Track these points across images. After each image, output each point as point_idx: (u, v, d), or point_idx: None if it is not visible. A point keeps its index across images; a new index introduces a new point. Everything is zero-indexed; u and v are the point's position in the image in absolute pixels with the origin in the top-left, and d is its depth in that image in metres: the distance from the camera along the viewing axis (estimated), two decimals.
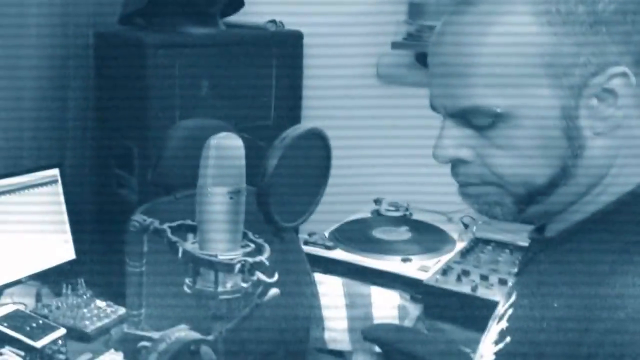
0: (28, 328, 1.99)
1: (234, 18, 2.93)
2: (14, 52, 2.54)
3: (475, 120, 0.96)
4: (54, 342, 1.98)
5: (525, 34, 0.92)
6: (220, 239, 1.14)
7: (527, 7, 0.93)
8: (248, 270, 1.13)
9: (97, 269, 2.33)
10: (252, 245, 1.18)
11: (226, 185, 1.11)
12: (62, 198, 2.37)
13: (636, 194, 0.98)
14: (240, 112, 2.75)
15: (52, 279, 2.28)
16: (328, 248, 2.50)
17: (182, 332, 1.21)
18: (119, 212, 2.37)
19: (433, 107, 1.01)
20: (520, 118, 0.94)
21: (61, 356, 1.98)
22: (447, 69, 0.98)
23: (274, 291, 1.22)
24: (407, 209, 2.87)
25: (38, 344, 1.95)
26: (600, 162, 0.97)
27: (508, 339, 1.02)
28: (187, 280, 1.15)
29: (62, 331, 2.02)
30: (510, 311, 1.05)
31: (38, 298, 2.22)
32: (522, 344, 0.99)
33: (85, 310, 2.15)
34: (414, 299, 2.37)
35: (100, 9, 2.83)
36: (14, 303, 2.15)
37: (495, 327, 1.07)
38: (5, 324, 2.00)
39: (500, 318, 1.07)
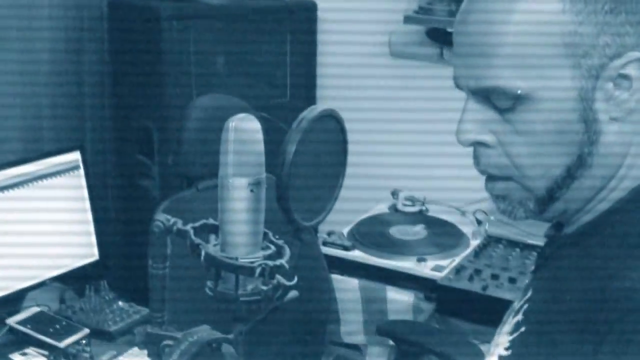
0: (52, 329, 2.02)
1: None
2: (26, 25, 2.48)
3: (497, 101, 0.96)
4: (78, 342, 2.01)
5: (549, 13, 0.92)
6: (241, 240, 1.14)
7: None
8: (268, 273, 1.14)
9: (119, 270, 2.33)
10: (273, 247, 1.18)
11: (246, 176, 1.10)
12: (84, 190, 2.28)
13: None
14: (257, 89, 2.71)
15: (75, 281, 2.28)
16: (346, 249, 2.51)
17: (204, 332, 1.22)
18: (141, 208, 2.35)
19: (457, 85, 1.01)
20: (539, 101, 0.94)
21: (85, 355, 2.00)
22: (471, 48, 0.97)
23: (293, 293, 1.23)
24: (423, 204, 2.85)
25: (62, 344, 1.97)
26: (615, 150, 0.96)
27: (523, 329, 1.03)
28: (208, 283, 1.16)
29: (85, 331, 2.04)
30: (525, 306, 1.06)
31: (61, 300, 2.22)
32: (536, 332, 1.00)
33: (107, 311, 2.16)
34: (427, 297, 2.39)
35: None
36: (38, 305, 2.16)
37: (510, 320, 1.08)
38: (29, 326, 2.02)
39: (517, 312, 1.08)
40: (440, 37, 2.83)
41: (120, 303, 2.20)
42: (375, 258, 2.47)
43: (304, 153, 1.16)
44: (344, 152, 1.26)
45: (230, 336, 1.20)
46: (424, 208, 2.84)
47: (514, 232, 2.62)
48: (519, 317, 1.07)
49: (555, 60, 0.93)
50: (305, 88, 2.93)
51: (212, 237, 1.19)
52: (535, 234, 2.49)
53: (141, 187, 2.55)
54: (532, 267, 1.16)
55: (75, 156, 2.27)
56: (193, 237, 1.16)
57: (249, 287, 1.15)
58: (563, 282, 1.00)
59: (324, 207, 1.25)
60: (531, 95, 0.94)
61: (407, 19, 2.81)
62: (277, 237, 1.21)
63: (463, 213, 2.81)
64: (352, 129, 3.11)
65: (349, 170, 3.07)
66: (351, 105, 3.01)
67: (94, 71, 2.69)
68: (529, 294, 1.08)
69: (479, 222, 2.72)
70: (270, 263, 1.14)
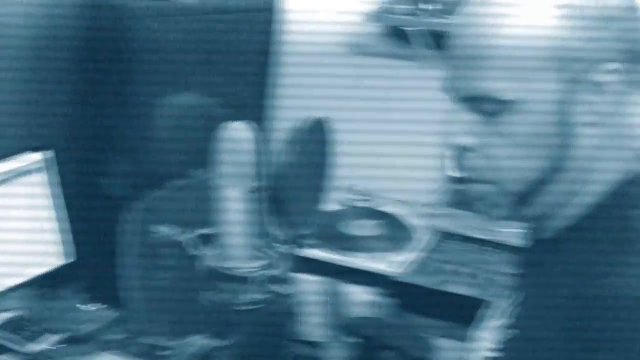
0: (25, 333, 2.00)
1: None
2: None
3: (485, 106, 1.01)
4: (49, 346, 2.00)
5: (541, 27, 0.97)
6: (238, 247, 1.18)
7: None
8: (265, 282, 1.17)
9: (89, 272, 2.30)
10: (268, 256, 1.21)
11: (240, 182, 1.13)
12: (49, 191, 2.26)
13: (618, 193, 1.03)
14: (223, 86, 2.67)
15: (43, 284, 2.26)
16: (306, 245, 2.52)
17: (198, 341, 1.25)
18: (107, 208, 2.33)
19: (446, 90, 1.06)
20: (523, 107, 0.99)
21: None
22: (466, 55, 1.02)
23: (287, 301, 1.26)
24: (374, 198, 2.90)
25: (34, 349, 1.96)
26: (587, 154, 1.02)
27: (512, 331, 1.09)
28: (206, 293, 1.19)
29: (56, 335, 2.03)
30: (512, 309, 1.12)
31: (34, 304, 2.20)
32: (530, 334, 1.05)
33: (78, 313, 2.16)
34: (385, 294, 2.43)
35: None
36: (7, 310, 2.14)
37: (494, 323, 1.13)
38: (1, 332, 2.00)
39: (502, 315, 1.13)
40: (399, 35, 2.88)
41: (90, 305, 2.19)
42: (332, 254, 2.50)
43: (294, 164, 1.20)
44: (329, 156, 1.30)
45: (224, 344, 1.23)
46: (376, 203, 2.88)
47: (462, 226, 2.69)
48: (505, 320, 1.12)
49: (543, 70, 0.98)
50: (268, 84, 2.94)
51: (209, 245, 1.22)
52: (484, 228, 2.56)
53: (109, 188, 2.53)
54: (514, 270, 1.21)
55: (38, 157, 2.25)
56: (191, 248, 1.19)
57: (246, 295, 1.18)
58: (551, 286, 1.06)
59: (315, 212, 1.29)
60: (515, 102, 0.99)
61: (369, 17, 2.86)
62: (269, 245, 1.24)
63: (415, 208, 2.87)
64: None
65: None
66: (309, 99, 3.05)
67: (60, 69, 2.63)
68: (514, 297, 1.14)
69: (431, 217, 2.78)
70: (267, 273, 1.18)
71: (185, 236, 1.19)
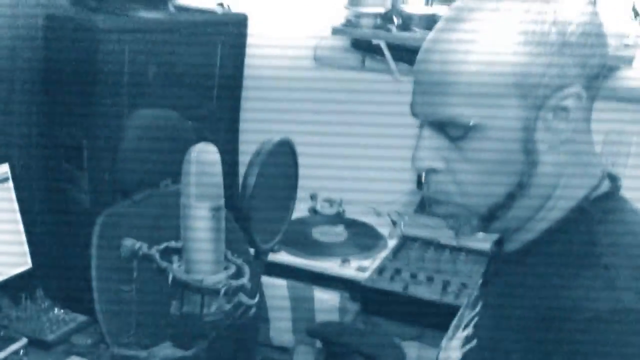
0: None
1: (182, 1, 2.90)
2: None
3: (450, 130, 1.02)
4: (16, 352, 2.00)
5: (503, 54, 0.99)
6: (205, 262, 1.19)
7: (510, 26, 0.99)
8: (232, 293, 1.18)
9: (54, 278, 2.30)
10: (234, 267, 1.22)
11: (208, 201, 1.14)
12: (14, 202, 2.28)
13: (580, 210, 1.05)
14: (185, 98, 2.71)
15: (10, 289, 2.25)
16: (272, 251, 2.54)
17: (167, 350, 1.25)
18: (72, 218, 2.34)
19: (413, 114, 1.07)
20: (488, 131, 1.01)
21: None
22: (430, 81, 1.03)
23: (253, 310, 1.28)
24: (340, 205, 2.93)
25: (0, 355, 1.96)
26: (551, 175, 1.04)
27: (474, 342, 1.10)
28: (174, 304, 1.20)
29: (23, 341, 2.03)
30: (476, 319, 1.14)
31: None
32: (487, 347, 1.08)
33: (44, 319, 2.15)
34: (352, 298, 2.46)
35: None
36: None
37: (460, 334, 1.15)
38: None
39: (466, 326, 1.15)
40: (364, 47, 2.91)
41: (56, 311, 2.19)
42: (300, 259, 2.53)
43: (263, 183, 1.21)
44: (295, 176, 1.31)
45: (190, 353, 1.24)
46: (341, 209, 2.91)
47: (427, 232, 2.72)
48: (469, 330, 1.14)
49: (504, 96, 1.00)
50: (231, 94, 2.96)
51: (175, 258, 1.23)
52: (447, 234, 2.59)
53: (72, 198, 2.54)
54: (480, 280, 1.23)
55: (3, 169, 2.26)
56: (159, 261, 1.20)
57: (213, 307, 1.19)
58: (512, 298, 1.08)
59: (279, 229, 1.30)
60: (481, 126, 1.00)
61: (335, 31, 2.89)
62: (235, 256, 1.25)
63: (379, 214, 2.90)
64: (273, 133, 3.16)
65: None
66: (274, 110, 3.07)
67: (24, 81, 2.63)
68: (478, 307, 1.16)
69: (394, 223, 2.82)
70: (234, 283, 1.19)
71: (152, 249, 1.20)
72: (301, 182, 2.92)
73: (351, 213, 2.92)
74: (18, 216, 2.27)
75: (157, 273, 1.20)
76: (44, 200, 2.61)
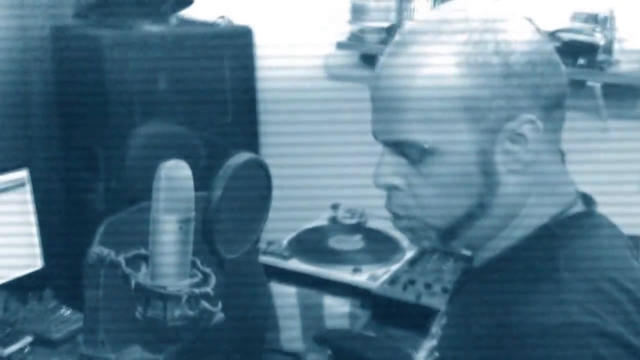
0: None
1: (184, 13, 2.91)
2: None
3: (407, 152, 1.04)
4: (21, 349, 2.04)
5: (448, 78, 1.00)
6: (169, 269, 1.20)
7: (451, 54, 1.00)
8: (195, 300, 1.20)
9: (63, 278, 2.35)
10: (200, 275, 1.24)
11: (176, 213, 1.16)
12: (30, 205, 2.34)
13: (544, 229, 1.06)
14: (199, 109, 2.74)
15: (18, 288, 2.30)
16: (284, 258, 2.56)
17: (136, 353, 1.28)
18: (87, 220, 2.39)
19: (373, 135, 1.09)
20: (443, 154, 1.02)
21: None
22: (383, 105, 1.06)
23: (218, 317, 1.29)
24: (361, 216, 2.93)
25: (5, 351, 2.00)
26: (513, 198, 1.05)
27: (436, 354, 1.12)
28: (139, 309, 1.22)
29: (28, 339, 2.07)
30: (440, 332, 1.16)
31: (5, 307, 2.25)
32: (447, 358, 1.09)
33: (51, 318, 2.19)
34: (363, 306, 2.45)
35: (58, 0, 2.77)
36: None
37: (427, 345, 1.16)
38: None
39: (432, 337, 1.17)
40: (373, 62, 2.91)
41: (62, 310, 2.23)
42: (312, 267, 2.52)
43: (230, 196, 1.23)
44: (267, 196, 1.33)
45: (160, 358, 1.26)
46: (362, 220, 2.91)
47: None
48: (434, 342, 1.15)
49: (456, 121, 1.01)
50: (247, 108, 2.99)
51: (144, 265, 1.25)
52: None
53: (87, 201, 2.60)
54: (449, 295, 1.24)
55: (22, 174, 2.33)
56: (124, 267, 1.22)
57: (177, 312, 1.21)
58: (470, 314, 1.08)
59: (246, 241, 1.32)
60: (436, 150, 1.02)
61: (340, 45, 2.90)
62: (204, 265, 1.27)
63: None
64: (294, 146, 3.18)
65: (292, 185, 3.12)
66: (292, 124, 3.09)
67: (40, 92, 2.73)
68: (444, 321, 1.17)
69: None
70: (197, 291, 1.21)
71: (119, 257, 1.22)
72: (324, 194, 2.97)
73: (373, 224, 2.91)
74: (33, 219, 2.34)
75: (123, 280, 1.22)
76: (60, 204, 2.69)
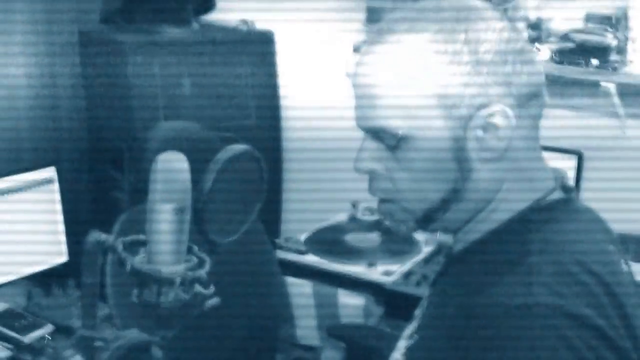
0: (18, 325, 2.11)
1: (207, 18, 2.99)
2: (1, 52, 2.59)
3: (384, 139, 1.07)
4: (42, 337, 2.11)
5: (421, 68, 1.03)
6: (165, 255, 1.24)
7: (425, 42, 1.03)
8: (188, 283, 1.24)
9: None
10: (195, 260, 1.28)
11: (172, 202, 1.21)
12: (57, 201, 2.41)
13: (520, 215, 1.08)
14: (223, 111, 2.81)
15: (43, 280, 2.37)
16: (300, 253, 2.59)
17: (133, 335, 1.32)
18: (112, 216, 2.46)
19: (356, 124, 1.12)
20: (418, 141, 1.05)
21: (49, 350, 2.09)
22: (360, 93, 1.09)
23: (214, 300, 1.33)
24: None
25: (26, 339, 2.07)
26: (487, 184, 1.08)
27: (415, 336, 1.15)
28: (134, 292, 1.26)
29: (50, 327, 2.14)
30: (419, 316, 1.19)
31: (29, 297, 2.32)
32: (425, 340, 1.12)
33: (73, 308, 2.26)
34: (377, 301, 2.48)
35: (84, 5, 2.86)
36: (6, 302, 2.26)
37: (409, 329, 1.20)
38: None
39: (412, 319, 1.21)
40: None
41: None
42: (327, 262, 2.56)
43: (222, 183, 1.27)
44: (261, 186, 1.37)
45: (157, 339, 1.30)
46: (381, 217, 2.92)
47: None
48: (414, 325, 1.18)
49: (429, 108, 1.04)
50: (270, 111, 3.04)
51: (142, 250, 1.30)
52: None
53: (112, 199, 2.67)
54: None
55: (50, 171, 2.41)
56: (120, 251, 1.26)
57: (171, 295, 1.25)
58: (446, 296, 1.12)
59: (239, 227, 1.36)
60: (411, 137, 1.05)
61: (356, 49, 2.91)
62: (200, 250, 1.31)
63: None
64: (316, 145, 3.19)
65: (312, 182, 3.14)
66: (314, 123, 3.12)
67: (69, 94, 2.81)
68: (424, 305, 1.20)
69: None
70: (190, 274, 1.25)
71: (116, 241, 1.27)
72: (344, 191, 2.99)
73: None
74: (60, 215, 2.42)
75: (120, 263, 1.26)
76: (86, 201, 2.76)
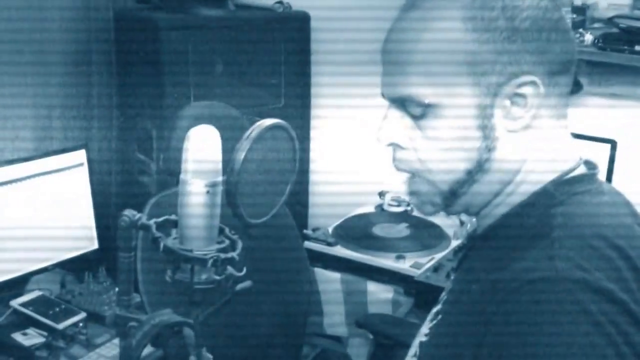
0: (52, 312, 2.13)
1: None
2: (39, 32, 2.57)
3: (410, 108, 1.06)
4: (75, 324, 2.12)
5: (453, 33, 1.02)
6: (197, 233, 1.24)
7: (456, 13, 1.02)
8: (220, 264, 1.23)
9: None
10: (227, 242, 1.27)
11: (204, 179, 1.20)
12: (87, 185, 2.40)
13: (543, 191, 1.07)
14: (253, 94, 2.78)
15: (75, 267, 2.38)
16: (329, 244, 2.58)
17: (166, 315, 1.32)
18: (140, 202, 2.46)
19: (382, 94, 1.11)
20: (445, 109, 1.04)
21: (82, 336, 2.11)
22: (390, 62, 1.08)
23: (246, 283, 1.32)
24: (408, 204, 2.93)
25: (60, 326, 2.08)
26: (512, 157, 1.06)
27: (440, 317, 1.14)
28: (168, 272, 1.26)
29: (82, 315, 2.15)
30: (444, 297, 1.18)
31: (62, 285, 2.33)
32: (449, 316, 1.12)
33: (104, 296, 2.27)
34: (406, 293, 2.46)
35: None
36: (40, 289, 2.27)
37: (433, 311, 1.19)
38: (31, 308, 2.14)
39: (437, 303, 1.19)
40: None
41: (116, 289, 2.29)
42: (356, 254, 2.54)
43: (253, 160, 1.25)
44: (293, 160, 1.35)
45: (190, 320, 1.30)
46: (409, 208, 2.91)
47: None
48: (439, 306, 1.17)
49: (458, 76, 1.03)
50: (300, 93, 3.01)
51: (174, 230, 1.29)
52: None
53: (140, 183, 2.66)
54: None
55: (80, 154, 2.39)
56: (154, 230, 1.26)
57: (204, 276, 1.24)
58: (468, 276, 1.11)
59: (272, 207, 1.34)
60: (438, 105, 1.04)
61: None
62: (232, 232, 1.30)
63: (448, 214, 2.87)
64: (345, 132, 3.17)
65: (340, 170, 3.12)
66: (343, 109, 3.10)
67: (101, 76, 2.78)
68: (449, 286, 1.18)
69: (462, 223, 2.79)
70: (222, 255, 1.24)
71: (149, 221, 1.26)
72: (372, 182, 2.98)
73: (420, 212, 2.90)
74: (90, 199, 2.41)
75: (153, 243, 1.25)
76: (115, 185, 2.75)
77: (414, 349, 1.20)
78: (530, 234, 1.02)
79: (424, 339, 1.17)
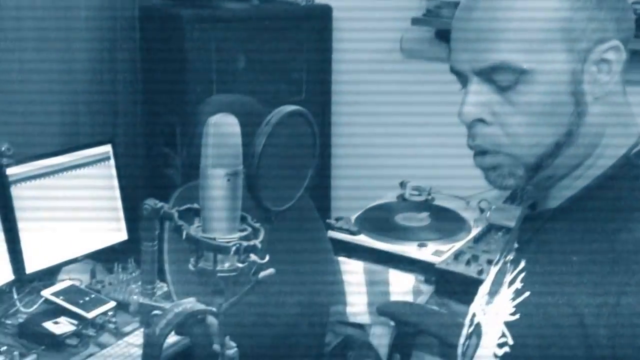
0: (82, 301, 2.11)
1: None
2: (65, 28, 2.55)
3: (500, 77, 1.02)
4: (105, 313, 2.10)
5: (547, 4, 1.01)
6: (219, 222, 1.20)
7: None
8: (243, 252, 1.19)
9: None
10: (249, 229, 1.24)
11: (224, 167, 1.16)
12: (114, 178, 2.38)
13: (624, 160, 1.05)
14: (274, 87, 2.76)
15: (105, 258, 2.36)
16: (352, 233, 2.54)
17: (189, 304, 1.29)
18: (165, 194, 2.44)
19: (457, 72, 1.07)
20: (538, 77, 1.01)
21: (111, 325, 2.08)
22: (476, 32, 1.03)
23: (269, 271, 1.29)
24: (429, 194, 2.89)
25: (90, 315, 2.06)
26: (595, 129, 1.05)
27: (527, 294, 1.08)
28: (191, 260, 1.22)
29: (112, 304, 2.13)
30: (522, 275, 1.11)
31: (92, 275, 2.31)
32: (544, 294, 1.06)
33: (133, 286, 2.24)
34: (427, 280, 2.42)
35: None
36: (71, 279, 2.25)
37: (506, 290, 1.12)
38: (62, 297, 2.12)
39: (512, 282, 1.12)
40: (447, 38, 2.85)
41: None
42: (379, 242, 2.51)
43: (274, 147, 1.22)
44: (313, 147, 1.31)
45: (213, 309, 1.27)
46: (430, 197, 2.87)
47: (513, 222, 2.62)
48: (518, 284, 1.11)
49: (553, 42, 1.01)
50: (321, 87, 2.97)
51: (196, 219, 1.26)
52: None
53: (166, 176, 2.64)
54: (515, 244, 1.19)
55: (107, 148, 2.37)
56: (177, 219, 1.23)
57: (226, 264, 1.21)
58: (561, 247, 1.07)
59: (293, 194, 1.31)
60: (532, 71, 1.01)
61: (415, 21, 2.83)
62: (254, 220, 1.26)
63: (467, 202, 2.83)
64: (365, 124, 3.14)
65: (361, 162, 3.09)
66: (364, 101, 3.06)
67: (126, 71, 2.76)
68: (522, 264, 1.13)
69: (482, 211, 2.74)
70: (245, 243, 1.20)
71: (172, 209, 1.23)
72: (393, 171, 2.95)
73: (440, 201, 2.87)
74: (118, 192, 2.38)
75: (176, 231, 1.22)
76: (141, 178, 2.73)
77: (495, 329, 1.12)
78: (627, 204, 1.02)
79: (510, 318, 1.10)
